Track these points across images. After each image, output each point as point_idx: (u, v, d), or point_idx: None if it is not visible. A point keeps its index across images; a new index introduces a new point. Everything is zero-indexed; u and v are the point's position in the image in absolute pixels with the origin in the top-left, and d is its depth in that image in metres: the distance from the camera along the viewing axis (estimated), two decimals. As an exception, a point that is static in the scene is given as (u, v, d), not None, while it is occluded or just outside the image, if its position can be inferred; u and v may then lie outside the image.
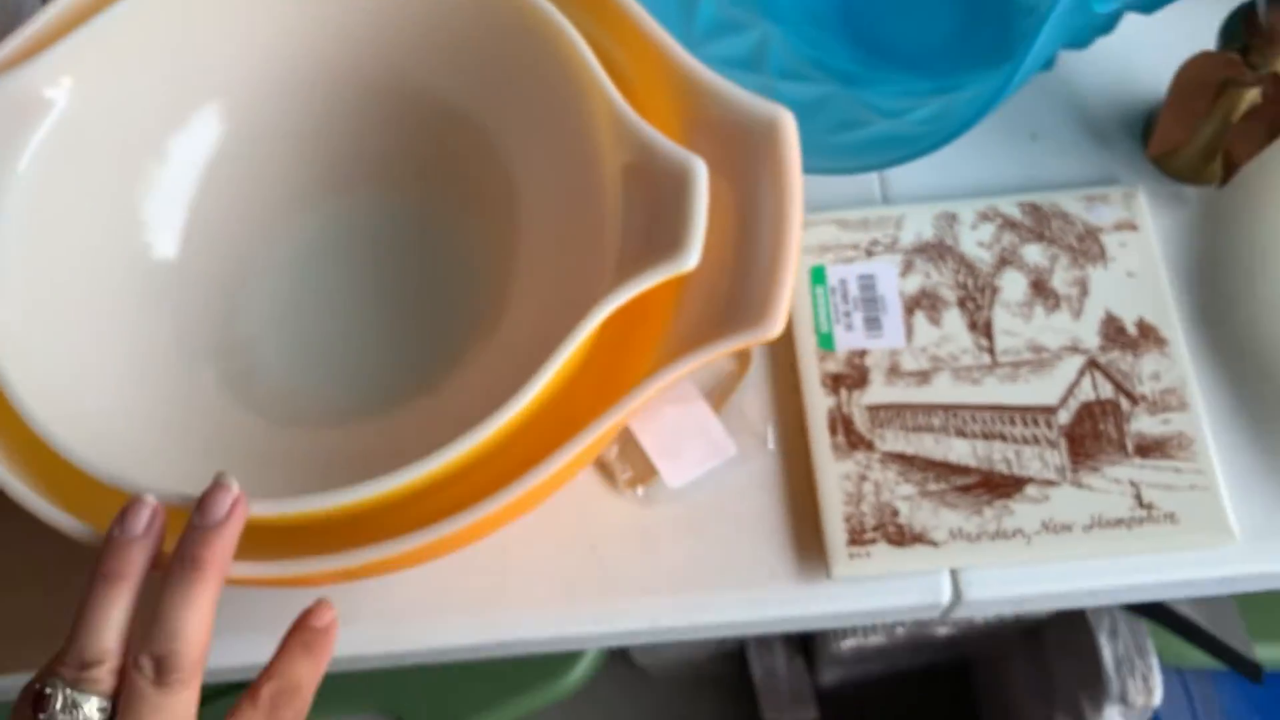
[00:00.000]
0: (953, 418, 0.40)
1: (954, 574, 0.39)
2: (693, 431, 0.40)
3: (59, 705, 0.27)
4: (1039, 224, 0.43)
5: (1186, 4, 0.42)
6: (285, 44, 0.38)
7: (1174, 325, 0.41)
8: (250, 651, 0.38)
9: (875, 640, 0.62)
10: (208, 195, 0.39)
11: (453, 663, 0.69)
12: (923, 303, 0.42)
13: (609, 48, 0.36)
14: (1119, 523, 0.38)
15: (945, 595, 0.39)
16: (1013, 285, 0.42)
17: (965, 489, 0.39)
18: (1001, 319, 0.41)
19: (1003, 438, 0.40)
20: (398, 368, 0.38)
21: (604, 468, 0.41)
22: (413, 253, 0.40)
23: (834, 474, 0.39)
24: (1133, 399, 0.40)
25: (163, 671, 0.27)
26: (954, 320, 0.41)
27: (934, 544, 0.38)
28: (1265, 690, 0.67)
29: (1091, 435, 0.40)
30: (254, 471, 0.33)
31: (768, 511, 0.40)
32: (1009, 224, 0.43)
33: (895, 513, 0.39)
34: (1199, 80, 0.40)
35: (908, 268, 0.42)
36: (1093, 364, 0.41)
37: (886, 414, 0.40)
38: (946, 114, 0.38)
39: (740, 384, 0.41)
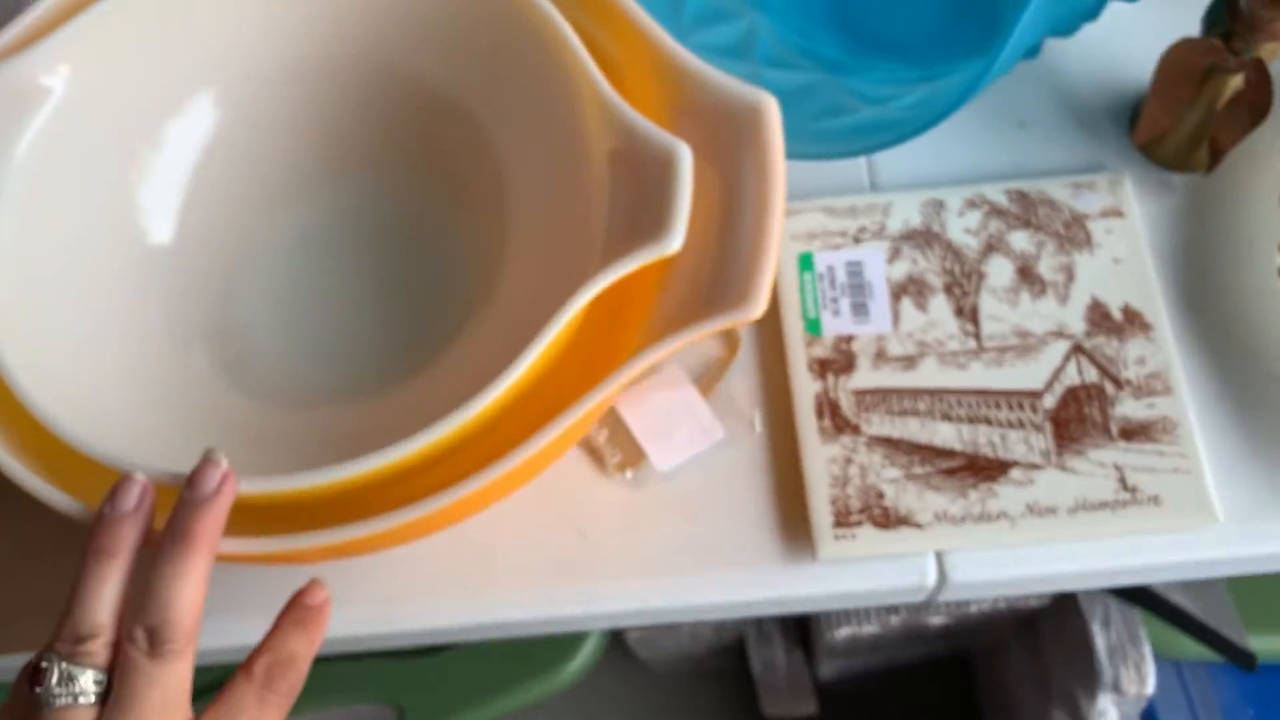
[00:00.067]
0: (938, 402, 0.40)
1: (939, 556, 0.39)
2: (681, 416, 0.41)
3: (54, 679, 0.27)
4: (1026, 211, 0.43)
5: (1172, -8, 0.43)
6: (279, 33, 0.39)
7: (1159, 311, 0.42)
8: (246, 633, 0.39)
9: (870, 630, 0.62)
10: (203, 182, 0.40)
11: (453, 654, 0.69)
12: (909, 289, 0.42)
13: (597, 36, 0.37)
14: (1103, 505, 0.39)
15: (931, 577, 0.39)
16: (999, 271, 0.42)
17: (950, 472, 0.39)
18: (988, 305, 0.42)
19: (988, 422, 0.40)
20: (391, 351, 0.39)
21: (593, 452, 0.41)
22: (404, 238, 0.41)
23: (820, 457, 0.40)
24: (1117, 383, 0.40)
25: (156, 643, 0.27)
26: (940, 306, 0.42)
27: (919, 526, 0.39)
28: (1261, 682, 0.67)
29: (1076, 419, 0.40)
30: (248, 452, 0.34)
31: (755, 494, 0.40)
32: (996, 211, 0.43)
33: (880, 495, 0.39)
34: (1183, 67, 0.40)
35: (895, 254, 0.43)
36: (1078, 349, 0.41)
37: (873, 398, 0.40)
38: (931, 100, 0.39)
39: (728, 369, 0.42)
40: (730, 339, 0.42)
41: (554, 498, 0.40)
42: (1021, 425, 0.40)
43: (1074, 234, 0.43)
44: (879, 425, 0.40)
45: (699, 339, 0.33)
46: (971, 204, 0.44)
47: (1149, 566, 0.39)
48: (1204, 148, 0.43)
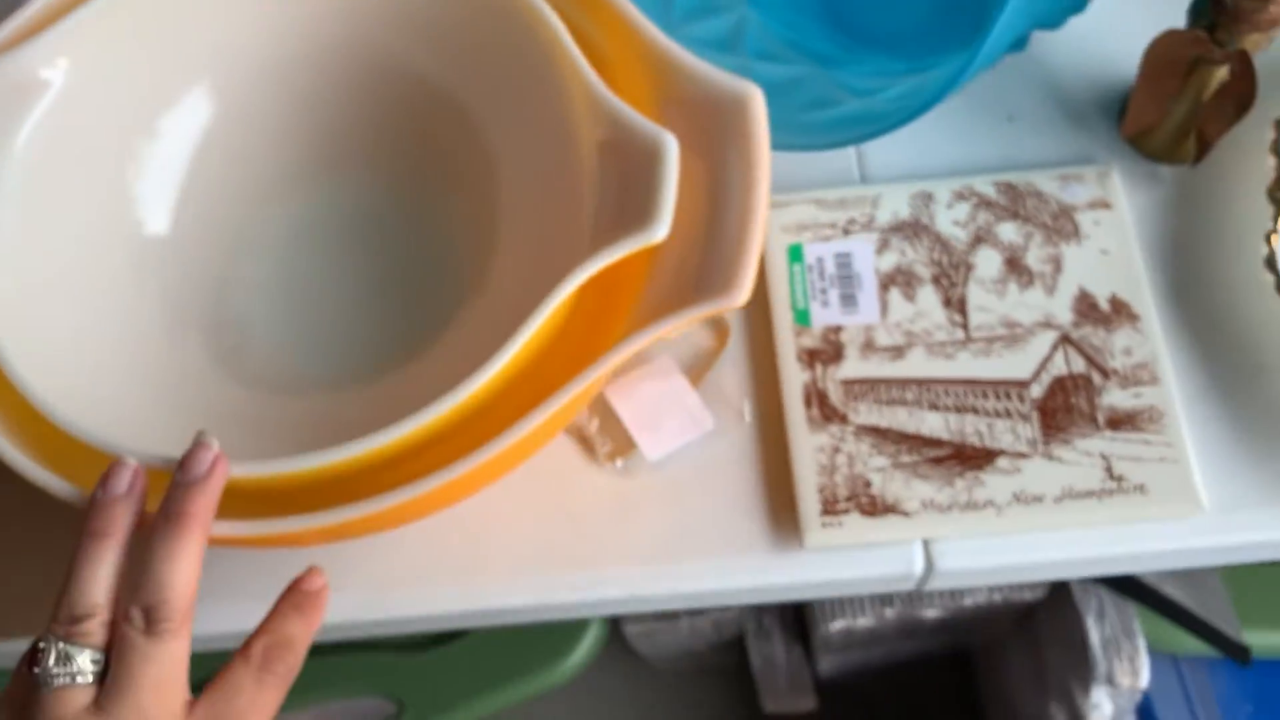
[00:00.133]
0: (926, 392, 0.41)
1: (926, 545, 0.40)
2: (671, 406, 0.41)
3: (52, 659, 0.28)
4: (1014, 203, 0.44)
5: (1160, -16, 0.43)
6: (272, 28, 0.39)
7: (1146, 301, 0.42)
8: (244, 620, 0.39)
9: (864, 622, 0.63)
10: (199, 175, 0.40)
11: (453, 648, 0.70)
12: (898, 280, 0.43)
13: (586, 29, 0.37)
14: (1089, 494, 0.39)
15: (918, 565, 0.39)
16: (987, 262, 0.43)
17: (937, 461, 0.40)
18: (976, 295, 0.42)
19: (975, 411, 0.40)
20: (384, 339, 0.40)
21: (584, 441, 0.42)
22: (398, 229, 0.41)
23: (808, 446, 0.40)
24: (1104, 373, 0.41)
25: (152, 621, 0.28)
26: (928, 297, 0.42)
27: (905, 514, 0.39)
28: (1259, 678, 0.67)
29: (1063, 409, 0.40)
30: (244, 439, 0.34)
31: (744, 483, 0.41)
32: (984, 203, 0.44)
33: (868, 484, 0.39)
34: (1168, 59, 0.41)
35: (884, 246, 0.43)
36: (1065, 339, 0.41)
37: (861, 388, 0.41)
38: (916, 91, 0.39)
39: (718, 360, 0.42)
40: (720, 330, 0.43)
41: (545, 486, 0.41)
42: (1008, 415, 0.40)
43: (1062, 225, 0.43)
44: (867, 415, 0.40)
45: (687, 326, 0.33)
46: (960, 196, 0.44)
47: (1135, 555, 0.39)
48: (1191, 140, 0.43)
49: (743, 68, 0.43)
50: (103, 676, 0.28)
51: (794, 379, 0.41)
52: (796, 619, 0.74)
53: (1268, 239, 0.40)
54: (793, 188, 0.44)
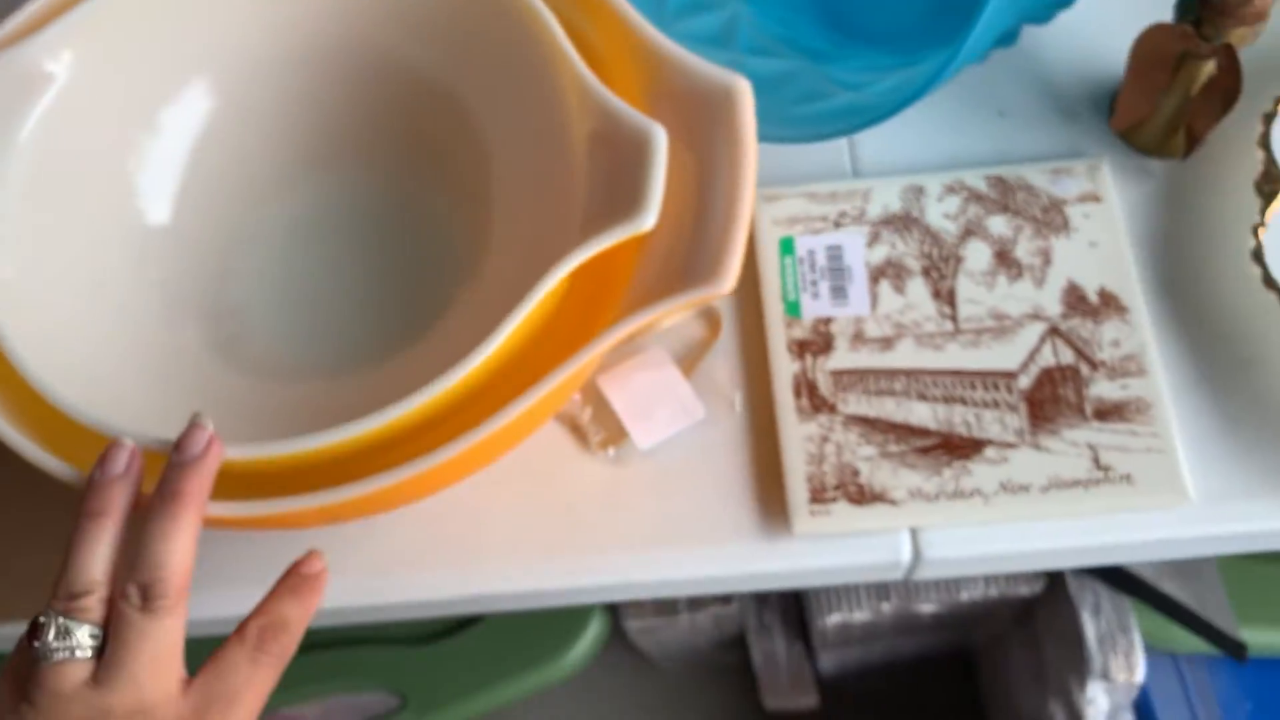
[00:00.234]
0: (914, 382, 0.41)
1: (913, 533, 0.40)
2: (663, 395, 0.42)
3: (51, 634, 0.29)
4: (1004, 196, 0.44)
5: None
6: (270, 23, 0.40)
7: (1135, 293, 0.42)
8: (244, 605, 0.40)
9: (861, 616, 0.63)
10: (199, 167, 0.41)
11: (454, 642, 0.70)
12: (888, 272, 0.43)
13: (578, 23, 0.38)
14: (1076, 484, 0.39)
15: (905, 554, 0.40)
16: (977, 255, 0.43)
17: (925, 450, 0.40)
18: (965, 288, 0.43)
19: (963, 401, 0.41)
20: (380, 328, 0.40)
21: (578, 430, 0.42)
22: (394, 220, 0.42)
23: (797, 435, 0.40)
24: (1093, 365, 0.41)
25: (149, 598, 0.29)
26: (918, 289, 0.43)
27: (893, 503, 0.39)
28: (1259, 677, 0.67)
29: (1051, 399, 0.41)
30: (241, 425, 0.35)
31: (734, 472, 0.41)
32: (975, 196, 0.44)
33: (856, 473, 0.40)
34: (1156, 53, 0.41)
35: (874, 238, 0.44)
36: (1054, 331, 0.42)
37: (850, 378, 0.41)
38: (905, 85, 0.40)
39: (710, 350, 0.43)
40: (712, 321, 0.43)
41: (538, 474, 0.42)
42: (996, 405, 0.41)
43: (1051, 219, 0.44)
44: (855, 405, 0.41)
45: (676, 313, 0.34)
46: (951, 190, 0.45)
47: (1121, 544, 0.40)
48: (1180, 134, 0.43)
49: (735, 63, 0.44)
50: (101, 652, 0.29)
51: (784, 369, 0.42)
52: (797, 615, 0.74)
53: (1255, 232, 0.41)
54: (785, 181, 0.45)
